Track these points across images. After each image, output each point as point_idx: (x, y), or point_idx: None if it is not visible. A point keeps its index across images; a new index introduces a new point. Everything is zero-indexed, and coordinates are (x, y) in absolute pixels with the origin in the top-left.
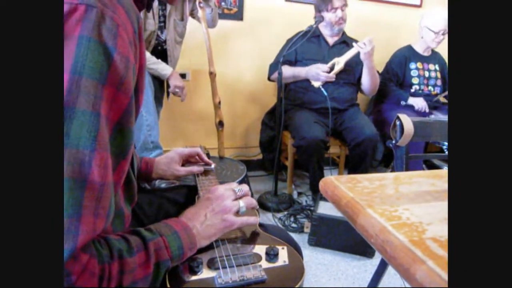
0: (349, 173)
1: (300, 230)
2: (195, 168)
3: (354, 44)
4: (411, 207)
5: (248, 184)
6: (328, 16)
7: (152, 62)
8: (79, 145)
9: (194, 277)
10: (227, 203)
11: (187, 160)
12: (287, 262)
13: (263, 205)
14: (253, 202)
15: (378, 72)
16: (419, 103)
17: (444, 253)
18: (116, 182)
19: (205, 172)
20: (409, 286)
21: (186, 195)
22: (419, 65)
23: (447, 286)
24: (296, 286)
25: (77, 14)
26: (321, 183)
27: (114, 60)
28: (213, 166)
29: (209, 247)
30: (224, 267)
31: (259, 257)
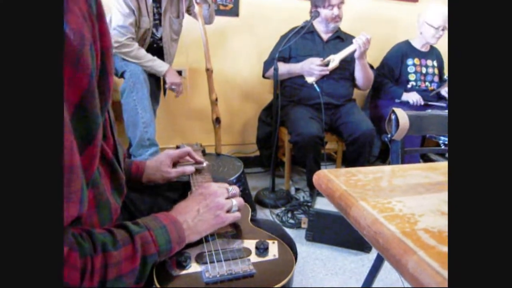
0: None
1: (297, 225)
2: (187, 169)
3: (353, 41)
4: (404, 199)
5: (246, 181)
6: (324, 12)
7: (148, 60)
8: None
9: (182, 272)
10: (220, 200)
11: (178, 161)
12: (277, 257)
13: (260, 202)
14: (243, 202)
15: (372, 67)
16: (413, 97)
17: (435, 243)
18: (86, 169)
19: (198, 171)
20: (405, 285)
21: (180, 191)
22: (416, 61)
23: (438, 276)
24: (284, 281)
25: None
26: (315, 177)
27: (67, 35)
28: (205, 164)
29: (199, 242)
30: (212, 262)
31: (248, 252)
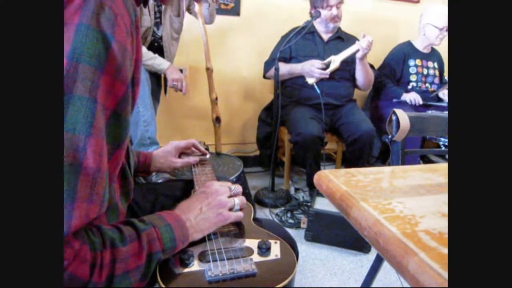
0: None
1: (297, 225)
2: (192, 159)
3: (357, 42)
4: (404, 200)
5: (245, 180)
6: (323, 13)
7: (148, 58)
8: (75, 130)
9: (184, 270)
10: (222, 198)
11: (183, 152)
12: (279, 256)
13: (260, 201)
14: (245, 201)
15: (373, 67)
16: (411, 96)
17: (436, 245)
18: (111, 172)
19: (201, 162)
20: (404, 286)
21: (182, 189)
22: (418, 62)
23: (438, 277)
24: (286, 281)
25: (76, 2)
26: (316, 177)
27: (112, 48)
28: (208, 156)
29: (201, 241)
30: (214, 260)
31: (250, 251)
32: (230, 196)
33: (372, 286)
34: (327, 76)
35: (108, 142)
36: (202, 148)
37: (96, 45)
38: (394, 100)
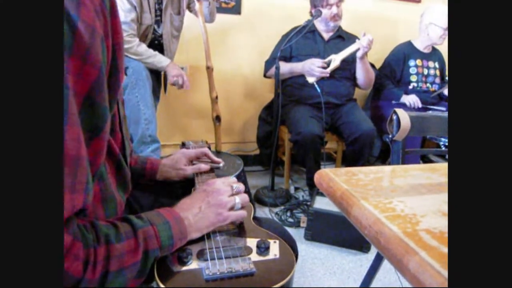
0: None
1: (296, 225)
2: (202, 166)
3: (357, 40)
4: (405, 199)
5: (245, 179)
6: (324, 11)
7: (148, 56)
8: None
9: (182, 268)
10: (223, 198)
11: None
12: (277, 256)
13: (260, 200)
14: (247, 199)
15: (374, 66)
16: (410, 99)
17: (437, 244)
18: (92, 162)
19: (211, 169)
20: (404, 285)
21: (182, 187)
22: (418, 62)
23: (439, 276)
24: (284, 281)
25: None
26: (316, 176)
27: (78, 29)
28: (221, 164)
29: (200, 239)
30: (213, 259)
31: (249, 250)
32: (232, 195)
33: (372, 285)
34: (328, 75)
35: (84, 129)
36: (215, 157)
37: None
38: (393, 102)
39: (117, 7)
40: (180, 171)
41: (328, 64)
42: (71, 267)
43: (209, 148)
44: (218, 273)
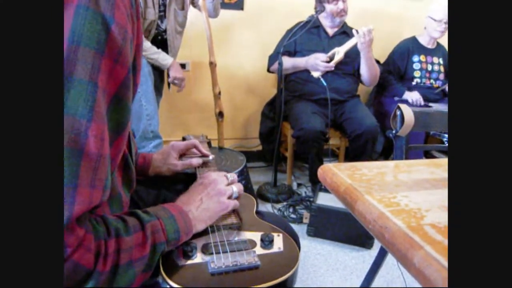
0: None
1: (299, 221)
2: (194, 161)
3: (354, 32)
4: (410, 194)
5: (248, 175)
6: (329, 7)
7: (153, 52)
8: (76, 114)
9: (187, 262)
10: (221, 187)
11: (184, 154)
12: (281, 249)
13: (262, 196)
14: (242, 188)
15: (379, 62)
16: (413, 96)
17: (442, 238)
18: (113, 159)
19: (205, 164)
20: (407, 281)
21: (185, 182)
22: (422, 58)
23: (444, 271)
24: (289, 273)
25: None
26: (320, 171)
27: (112, 30)
28: (211, 157)
29: (205, 233)
30: (217, 252)
31: (253, 243)
32: (228, 184)
33: (374, 281)
34: (333, 68)
35: (110, 128)
36: (204, 150)
37: (96, 27)
38: (396, 98)
39: (140, 10)
40: (170, 166)
41: (332, 58)
42: (83, 258)
43: (209, 143)
44: (223, 266)
